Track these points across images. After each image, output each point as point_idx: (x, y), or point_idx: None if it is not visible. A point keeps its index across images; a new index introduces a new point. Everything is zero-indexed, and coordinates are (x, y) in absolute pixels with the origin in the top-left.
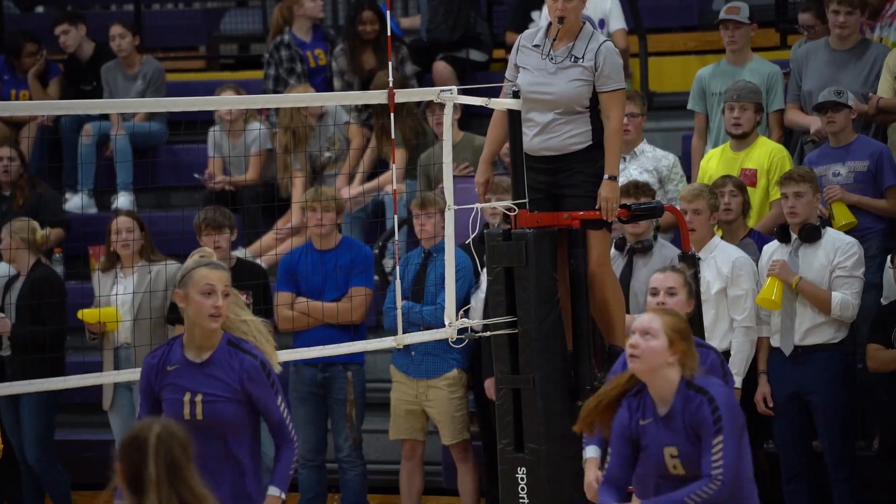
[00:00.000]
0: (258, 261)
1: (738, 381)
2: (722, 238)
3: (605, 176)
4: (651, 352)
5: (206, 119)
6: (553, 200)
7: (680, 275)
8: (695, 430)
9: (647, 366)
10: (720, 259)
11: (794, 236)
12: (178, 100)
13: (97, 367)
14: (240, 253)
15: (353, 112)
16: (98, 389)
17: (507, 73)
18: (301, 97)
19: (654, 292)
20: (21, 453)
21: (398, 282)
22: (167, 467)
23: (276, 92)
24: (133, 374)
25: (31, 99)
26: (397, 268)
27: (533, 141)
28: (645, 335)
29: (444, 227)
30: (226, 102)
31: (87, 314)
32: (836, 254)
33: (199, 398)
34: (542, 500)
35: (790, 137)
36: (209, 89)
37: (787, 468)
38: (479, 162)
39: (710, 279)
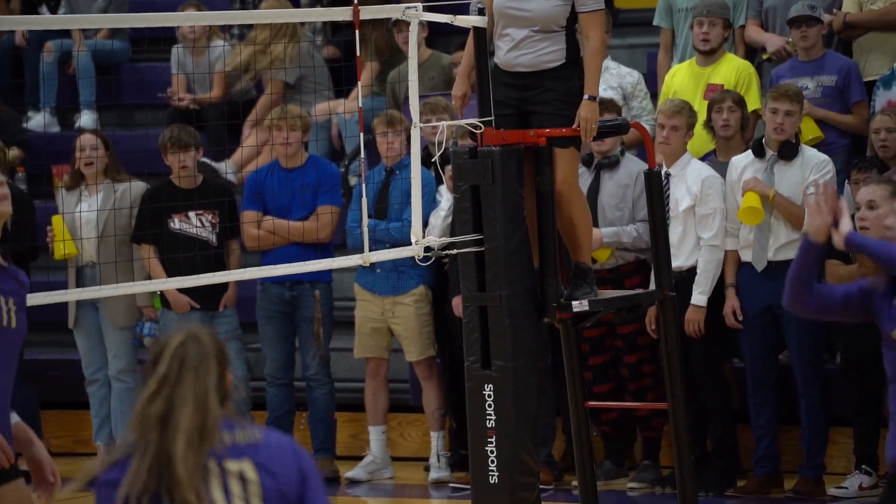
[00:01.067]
0: (230, 175)
1: (703, 300)
2: (717, 154)
3: (585, 96)
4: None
5: (168, 36)
6: (523, 117)
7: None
8: None
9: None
10: (690, 177)
11: (770, 152)
12: (140, 16)
13: (62, 286)
14: (221, 166)
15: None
16: (63, 308)
17: None
18: (265, 14)
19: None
20: None
21: (364, 199)
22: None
23: (242, 8)
24: (97, 293)
25: None
26: (363, 185)
27: (507, 56)
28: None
29: (408, 146)
30: (189, 19)
31: (56, 220)
32: (811, 171)
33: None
34: (509, 417)
35: (754, 54)
36: (172, 5)
37: (755, 382)
38: (457, 75)
39: (679, 196)
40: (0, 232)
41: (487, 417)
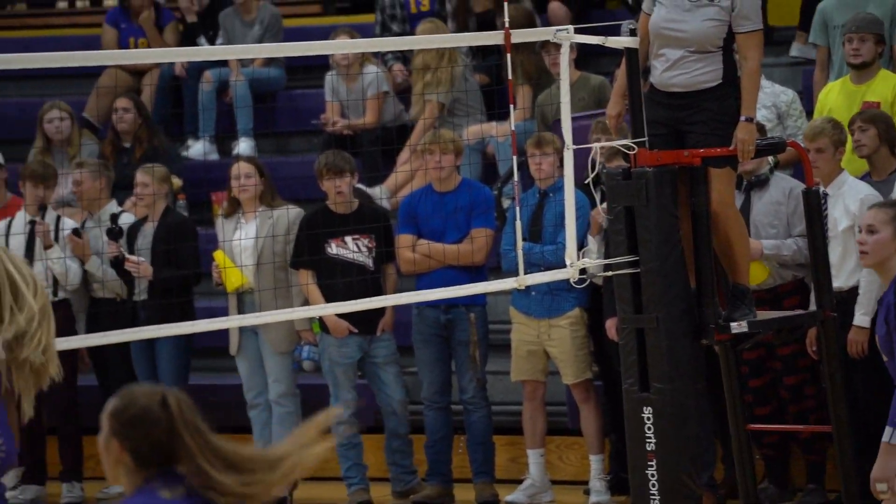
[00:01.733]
0: (384, 201)
1: (866, 321)
2: (870, 174)
3: (742, 118)
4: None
5: (322, 64)
6: (677, 137)
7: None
8: None
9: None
10: (848, 196)
11: None
12: (294, 45)
13: (223, 312)
14: (375, 191)
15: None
16: (225, 334)
17: (644, 6)
18: (416, 40)
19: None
20: None
21: (518, 223)
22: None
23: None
24: (258, 319)
25: (149, 46)
26: (517, 208)
27: (662, 76)
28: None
29: (560, 167)
30: (342, 46)
31: (218, 255)
32: None
33: None
34: (669, 440)
35: None
36: (325, 34)
37: None
38: (612, 94)
39: (838, 216)
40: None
41: (647, 440)
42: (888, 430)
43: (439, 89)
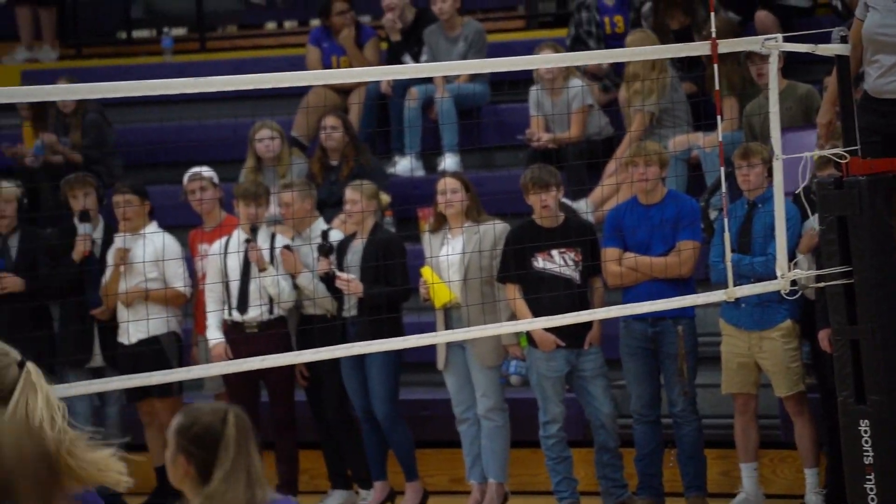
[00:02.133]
0: (588, 215)
1: None
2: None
3: None
4: None
5: (526, 78)
6: (891, 144)
7: None
8: None
9: None
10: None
11: None
12: (498, 60)
13: (431, 328)
14: (580, 205)
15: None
16: (433, 349)
17: (857, 12)
18: (623, 52)
19: None
20: (367, 411)
21: (727, 234)
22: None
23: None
24: (466, 334)
25: (351, 65)
26: (726, 220)
27: (876, 82)
28: None
29: (768, 178)
30: (547, 60)
31: (426, 271)
32: None
33: None
34: (888, 453)
35: None
36: (529, 48)
37: None
38: (822, 102)
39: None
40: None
41: (864, 454)
42: None
43: (650, 100)
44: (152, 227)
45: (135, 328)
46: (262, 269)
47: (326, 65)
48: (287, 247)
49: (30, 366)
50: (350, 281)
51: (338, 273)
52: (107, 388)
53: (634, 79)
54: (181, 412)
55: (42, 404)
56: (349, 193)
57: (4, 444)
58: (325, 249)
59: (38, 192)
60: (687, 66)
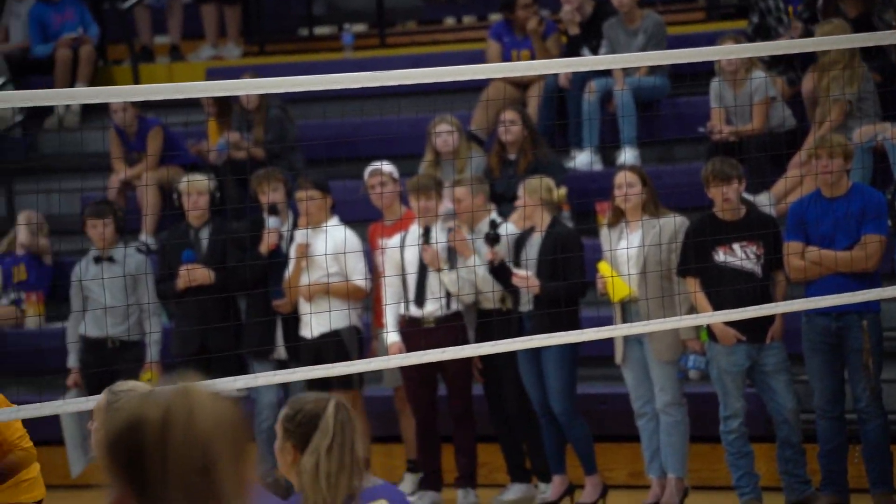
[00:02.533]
0: (770, 208)
1: None
2: None
3: None
4: None
5: (707, 70)
6: None
7: None
8: None
9: None
10: None
11: None
12: (678, 52)
13: (609, 322)
14: (760, 198)
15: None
16: (611, 343)
17: None
18: (811, 42)
19: None
20: (544, 406)
21: None
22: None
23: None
24: (645, 328)
25: (533, 58)
26: None
27: None
28: None
29: None
30: (729, 52)
31: (604, 266)
32: None
33: None
34: None
35: None
36: (709, 40)
37: None
38: None
39: None
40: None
41: None
42: None
43: (849, 89)
44: (333, 221)
45: (316, 321)
46: (437, 269)
47: (507, 59)
48: (490, 237)
49: None
50: (527, 277)
51: (515, 270)
52: (289, 378)
53: (833, 66)
54: (288, 403)
55: None
56: (519, 190)
57: (203, 407)
58: (490, 238)
59: (223, 188)
60: (869, 56)
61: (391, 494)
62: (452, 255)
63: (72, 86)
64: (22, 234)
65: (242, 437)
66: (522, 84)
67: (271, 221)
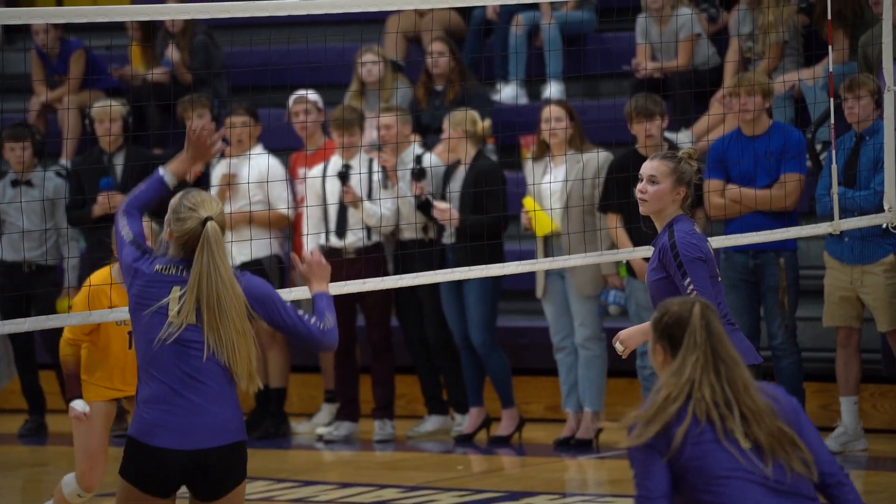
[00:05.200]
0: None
1: None
2: None
3: None
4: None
5: (634, 6)
6: None
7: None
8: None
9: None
10: None
11: None
12: None
13: (531, 256)
14: (672, 136)
15: None
16: (532, 277)
17: None
18: None
19: (640, 178)
20: (464, 338)
21: (834, 166)
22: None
23: None
24: (566, 262)
25: None
26: (833, 152)
27: None
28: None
29: (875, 110)
30: None
31: (528, 201)
32: None
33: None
34: None
35: None
36: None
37: None
38: None
39: None
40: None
41: None
42: None
43: (777, 29)
44: (258, 149)
45: (237, 250)
46: (355, 207)
47: None
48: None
49: (209, 226)
50: (445, 210)
51: (434, 202)
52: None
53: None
54: (656, 308)
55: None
56: (444, 123)
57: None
58: (415, 173)
59: (144, 113)
60: None
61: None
62: (375, 187)
63: None
64: None
65: None
66: (420, 13)
67: None
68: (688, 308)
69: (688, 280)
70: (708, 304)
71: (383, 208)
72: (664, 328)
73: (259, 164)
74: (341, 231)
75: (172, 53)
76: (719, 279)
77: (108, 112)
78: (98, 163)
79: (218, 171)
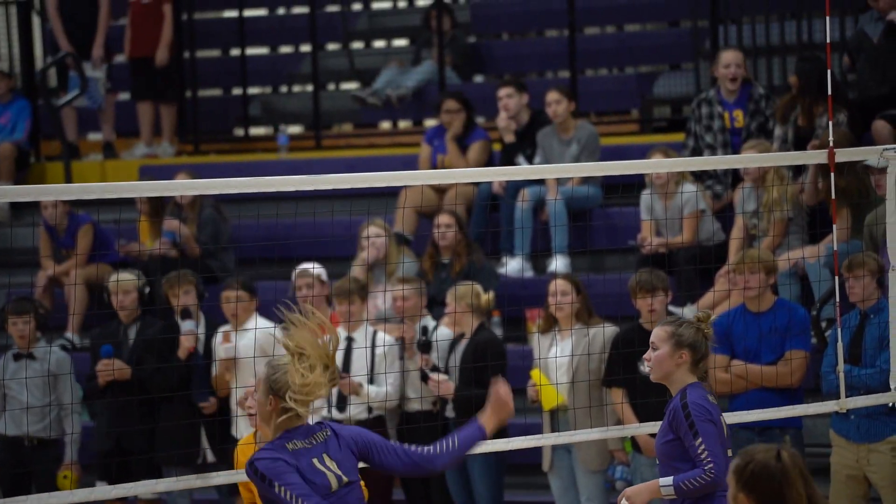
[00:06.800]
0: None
1: None
2: None
3: None
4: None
5: (639, 182)
6: None
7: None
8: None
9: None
10: None
11: None
12: (611, 164)
13: (537, 430)
14: (678, 310)
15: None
16: (539, 451)
17: None
18: (732, 159)
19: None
20: None
21: (840, 344)
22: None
23: (695, 148)
24: (572, 437)
25: (449, 164)
26: (839, 330)
27: None
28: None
29: (877, 288)
30: (659, 165)
31: (535, 374)
32: None
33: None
34: None
35: None
36: (642, 152)
37: None
38: None
39: None
40: None
41: None
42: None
43: (781, 206)
44: (254, 321)
45: (244, 423)
46: (356, 394)
47: (433, 163)
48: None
49: None
50: (441, 382)
51: (429, 374)
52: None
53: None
54: (737, 455)
55: None
56: (448, 296)
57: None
58: (421, 345)
59: (153, 285)
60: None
61: None
62: (378, 360)
63: None
64: None
65: None
66: (441, 189)
67: (186, 325)
68: (773, 456)
69: (699, 440)
70: (795, 452)
71: (387, 384)
72: (750, 477)
73: (261, 335)
74: (342, 405)
75: (181, 227)
76: (729, 453)
77: (124, 285)
78: (115, 335)
79: (217, 344)
